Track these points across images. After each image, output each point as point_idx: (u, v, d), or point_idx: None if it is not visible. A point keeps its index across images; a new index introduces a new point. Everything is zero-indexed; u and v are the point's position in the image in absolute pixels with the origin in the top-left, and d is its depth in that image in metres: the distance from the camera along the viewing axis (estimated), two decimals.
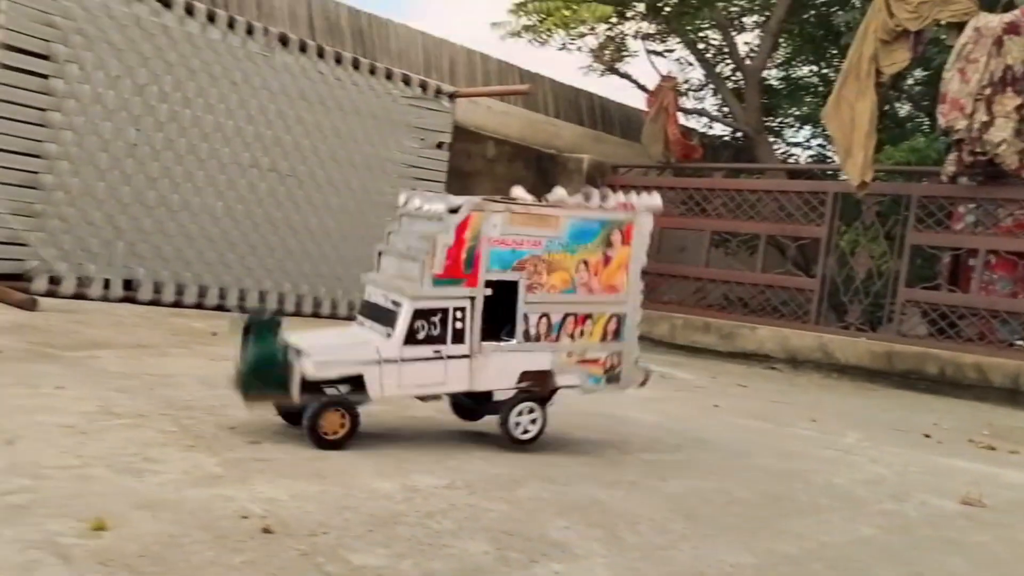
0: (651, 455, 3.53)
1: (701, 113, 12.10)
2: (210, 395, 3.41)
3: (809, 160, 12.86)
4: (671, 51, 11.93)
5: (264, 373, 2.77)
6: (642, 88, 11.44)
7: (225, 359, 4.36)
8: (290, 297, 7.71)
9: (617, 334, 3.25)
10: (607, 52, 11.47)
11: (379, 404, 3.02)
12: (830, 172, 10.46)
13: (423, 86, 8.66)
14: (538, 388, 3.16)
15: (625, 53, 11.91)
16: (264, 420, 3.05)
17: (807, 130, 12.71)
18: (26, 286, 6.06)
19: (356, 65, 8.14)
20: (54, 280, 6.30)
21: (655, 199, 3.39)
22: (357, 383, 2.84)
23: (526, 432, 3.15)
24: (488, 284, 3.01)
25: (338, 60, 8.01)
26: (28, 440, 2.35)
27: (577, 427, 3.91)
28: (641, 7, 11.07)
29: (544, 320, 3.11)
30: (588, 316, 3.19)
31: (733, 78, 12.06)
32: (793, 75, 12.57)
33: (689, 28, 11.15)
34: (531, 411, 3.15)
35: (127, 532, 1.78)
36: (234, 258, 7.39)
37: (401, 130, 8.56)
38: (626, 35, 11.81)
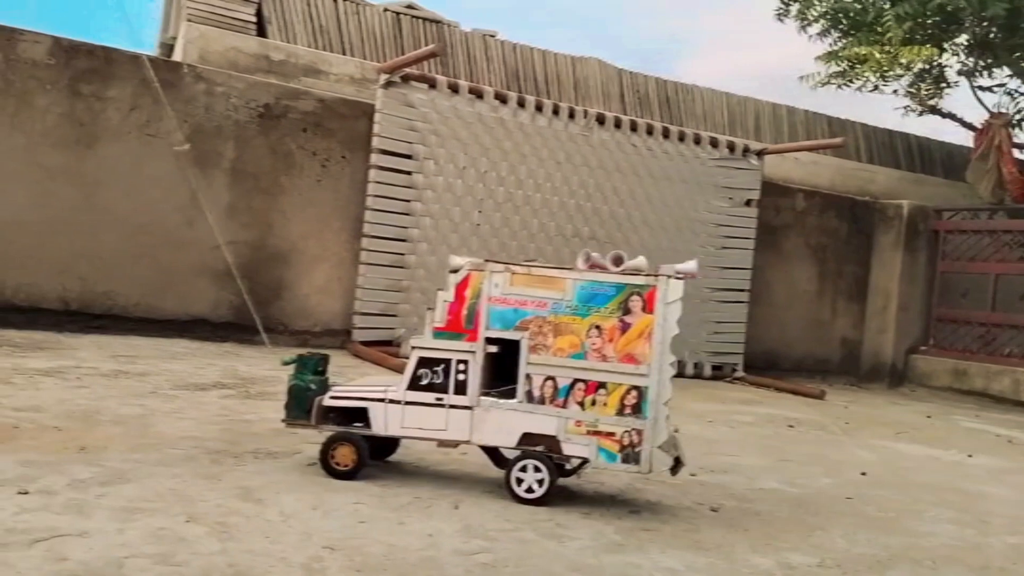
0: (1015, 538, 3.43)
1: None
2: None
3: None
4: (1001, 85, 11.02)
5: (300, 402, 3.20)
6: (967, 125, 10.71)
7: None
8: None
9: (638, 409, 3.02)
10: (924, 89, 10.89)
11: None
12: None
13: (731, 147, 8.88)
14: (545, 448, 3.06)
15: (944, 85, 11.21)
16: (636, 489, 3.45)
17: None
18: (396, 351, 7.13)
19: (666, 134, 8.58)
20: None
21: (689, 265, 3.12)
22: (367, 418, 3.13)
23: (530, 491, 3.03)
24: (496, 341, 3.09)
25: (649, 131, 8.50)
26: (467, 504, 2.93)
27: (929, 503, 3.89)
28: (962, 39, 10.42)
29: (550, 383, 3.06)
30: (602, 385, 3.04)
31: None
32: None
33: (1020, 58, 10.27)
34: (536, 470, 3.04)
35: None
36: None
37: (710, 191, 8.84)
38: (945, 66, 11.12)
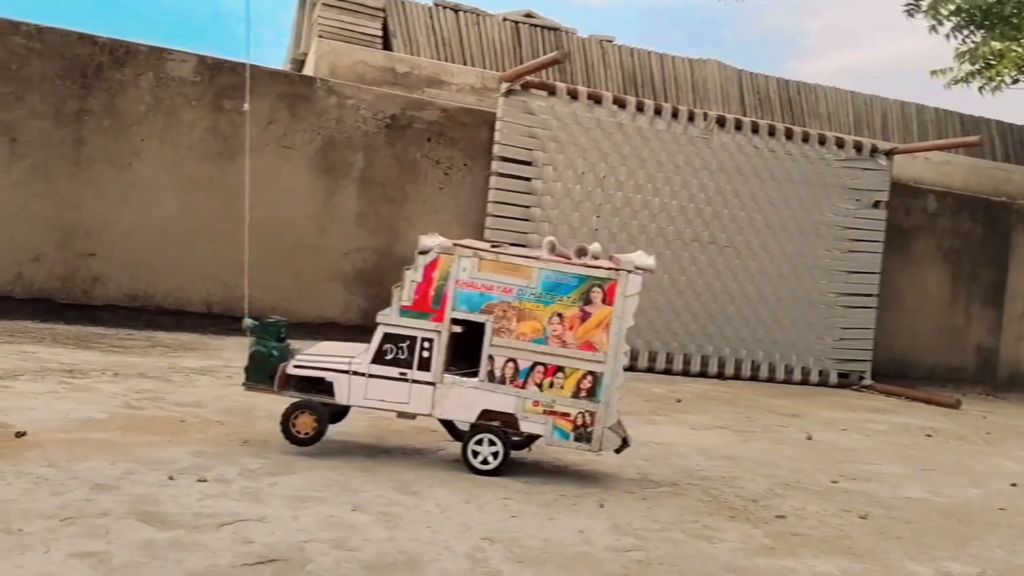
0: None
1: None
2: (714, 465, 3.88)
3: None
4: None
5: (259, 367, 3.28)
6: None
7: (706, 428, 4.87)
8: (729, 361, 8.11)
9: (592, 393, 3.17)
10: None
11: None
12: None
13: (857, 147, 8.61)
14: (500, 424, 3.19)
15: None
16: (778, 494, 3.41)
17: None
18: None
19: (788, 135, 8.39)
20: None
21: (646, 259, 3.22)
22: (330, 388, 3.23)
23: (485, 463, 3.17)
24: (462, 323, 3.20)
25: (771, 132, 8.34)
26: (612, 503, 2.98)
27: None
28: None
29: (511, 364, 3.18)
30: (560, 369, 3.18)
31: None
32: None
33: None
34: (491, 443, 3.17)
35: None
36: (679, 325, 8.01)
37: (835, 192, 8.59)
38: None
